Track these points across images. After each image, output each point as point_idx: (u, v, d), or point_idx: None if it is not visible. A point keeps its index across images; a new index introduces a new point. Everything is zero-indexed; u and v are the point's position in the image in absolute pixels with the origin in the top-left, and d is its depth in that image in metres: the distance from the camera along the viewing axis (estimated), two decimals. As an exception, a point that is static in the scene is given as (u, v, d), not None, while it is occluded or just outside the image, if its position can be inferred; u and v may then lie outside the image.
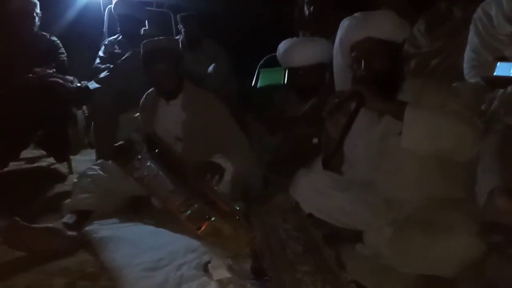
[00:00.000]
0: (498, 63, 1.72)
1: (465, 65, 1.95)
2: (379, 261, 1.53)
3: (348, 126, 1.49)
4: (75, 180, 2.09)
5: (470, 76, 1.91)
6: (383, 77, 1.57)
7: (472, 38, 1.94)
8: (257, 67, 4.39)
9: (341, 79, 1.86)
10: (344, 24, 1.70)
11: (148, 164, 1.82)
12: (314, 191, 1.69)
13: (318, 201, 1.68)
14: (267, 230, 1.88)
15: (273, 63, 3.91)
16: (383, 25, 1.60)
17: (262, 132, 2.66)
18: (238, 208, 1.79)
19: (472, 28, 1.94)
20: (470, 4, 2.08)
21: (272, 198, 2.22)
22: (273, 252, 1.66)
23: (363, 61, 1.60)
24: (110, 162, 2.09)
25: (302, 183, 1.74)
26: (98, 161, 2.26)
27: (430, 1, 2.46)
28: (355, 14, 1.69)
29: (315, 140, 2.21)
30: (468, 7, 2.09)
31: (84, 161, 3.26)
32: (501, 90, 1.73)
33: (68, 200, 1.99)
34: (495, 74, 1.70)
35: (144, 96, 2.33)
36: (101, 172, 2.05)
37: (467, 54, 1.95)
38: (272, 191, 2.29)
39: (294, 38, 2.55)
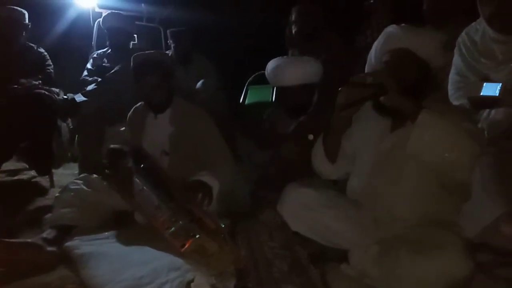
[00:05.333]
0: (485, 84, 1.75)
1: (450, 87, 1.99)
2: (365, 281, 1.52)
3: (355, 108, 1.47)
4: (57, 194, 2.05)
5: (454, 97, 1.94)
6: (405, 90, 1.52)
7: (456, 61, 1.98)
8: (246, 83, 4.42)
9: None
10: (388, 30, 1.70)
11: (133, 179, 1.79)
12: (302, 207, 1.67)
13: (305, 217, 1.66)
14: (253, 248, 1.86)
15: (261, 80, 3.94)
16: (426, 43, 1.60)
17: (250, 149, 2.66)
18: (223, 225, 1.77)
19: (456, 51, 1.99)
20: (455, 29, 2.13)
21: (259, 215, 2.20)
22: (259, 271, 1.64)
23: (392, 66, 1.60)
24: (93, 176, 2.06)
25: (290, 199, 1.73)
26: (81, 175, 2.22)
27: (416, 24, 2.51)
28: (403, 24, 1.69)
29: (310, 136, 2.19)
30: (453, 32, 2.14)
31: (67, 175, 3.21)
32: (485, 113, 1.76)
33: (49, 215, 1.95)
34: (481, 94, 1.73)
35: (132, 110, 2.32)
36: (84, 187, 2.02)
37: (452, 76, 1.99)
38: (259, 208, 2.27)
39: (283, 57, 2.56)
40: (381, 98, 1.44)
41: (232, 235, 1.87)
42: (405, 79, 1.56)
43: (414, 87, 1.58)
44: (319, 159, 1.75)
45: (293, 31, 3.06)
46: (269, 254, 1.78)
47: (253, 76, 4.40)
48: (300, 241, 1.80)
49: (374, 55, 1.74)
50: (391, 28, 1.69)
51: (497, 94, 1.68)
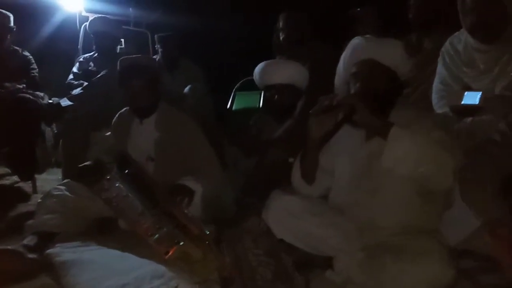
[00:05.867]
0: (466, 92, 1.78)
1: (434, 96, 2.01)
2: (349, 287, 1.52)
3: (331, 134, 1.49)
4: (40, 200, 2.02)
5: (438, 106, 1.97)
6: (375, 100, 1.57)
7: (440, 70, 2.01)
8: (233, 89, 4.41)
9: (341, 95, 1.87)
10: (354, 42, 1.73)
11: (117, 184, 1.77)
12: (287, 214, 1.67)
13: (290, 225, 1.66)
14: (238, 255, 1.85)
15: (248, 86, 3.95)
16: (390, 52, 1.64)
17: (237, 155, 2.65)
18: (208, 232, 1.76)
19: (440, 60, 2.02)
20: (440, 37, 2.17)
21: (245, 222, 2.19)
22: (243, 278, 1.63)
23: (360, 78, 1.62)
24: (77, 182, 2.03)
25: (275, 207, 1.73)
26: (65, 181, 2.20)
27: (402, 32, 2.55)
28: (367, 35, 1.73)
29: (291, 160, 2.21)
30: (438, 40, 2.17)
31: (50, 180, 3.15)
32: (468, 120, 1.79)
33: (31, 221, 1.92)
34: (462, 103, 1.76)
35: (117, 115, 2.30)
36: (67, 193, 2.00)
37: (436, 85, 2.02)
38: (245, 215, 2.27)
39: (272, 60, 2.60)
40: (353, 117, 1.47)
41: (217, 242, 1.86)
42: (375, 89, 1.59)
43: (384, 96, 1.61)
44: (297, 181, 1.77)
45: (281, 38, 3.07)
46: (253, 262, 1.77)
47: (240, 82, 4.40)
48: (285, 248, 1.79)
49: (342, 66, 1.78)
50: (356, 40, 1.72)
51: (477, 103, 1.71)
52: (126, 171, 1.84)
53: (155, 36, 3.70)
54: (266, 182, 2.16)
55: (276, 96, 2.42)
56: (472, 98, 1.73)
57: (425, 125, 1.55)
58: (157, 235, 1.67)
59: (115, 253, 1.78)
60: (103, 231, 2.02)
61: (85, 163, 1.94)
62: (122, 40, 3.68)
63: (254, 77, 2.55)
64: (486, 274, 1.12)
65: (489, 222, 1.09)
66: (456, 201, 1.30)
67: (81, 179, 1.95)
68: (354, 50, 1.70)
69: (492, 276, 1.10)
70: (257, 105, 3.47)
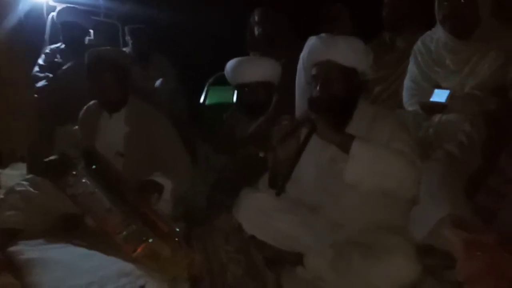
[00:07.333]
0: (435, 90, 1.82)
1: (405, 93, 2.05)
2: (319, 284, 1.53)
3: (299, 153, 1.50)
4: (2, 196, 1.95)
5: (409, 104, 2.00)
6: (338, 102, 1.59)
7: (411, 68, 2.04)
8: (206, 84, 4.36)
9: (302, 96, 1.87)
10: (310, 42, 1.71)
11: (84, 180, 1.73)
12: (258, 212, 1.67)
13: (261, 222, 1.67)
14: (209, 252, 1.83)
15: (222, 81, 3.91)
16: (346, 51, 1.61)
17: (209, 151, 2.62)
18: (178, 230, 1.73)
19: (412, 59, 2.05)
20: (413, 36, 2.20)
21: (216, 219, 2.17)
22: (213, 276, 1.62)
23: (320, 81, 1.62)
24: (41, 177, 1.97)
25: (246, 204, 1.72)
26: (28, 176, 2.12)
27: (376, 31, 2.58)
28: (322, 35, 1.70)
29: (261, 154, 2.20)
30: (411, 39, 2.20)
31: (14, 175, 3.03)
32: (437, 118, 1.82)
33: (-8, 218, 1.84)
34: (431, 100, 1.79)
35: (84, 108, 2.23)
36: (31, 189, 1.93)
37: (407, 83, 2.05)
38: (216, 212, 2.25)
39: (243, 57, 2.56)
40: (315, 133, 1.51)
41: (188, 239, 1.84)
42: (335, 91, 1.60)
43: (345, 96, 1.62)
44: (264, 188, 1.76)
45: (256, 34, 3.05)
46: (224, 259, 1.76)
47: (213, 76, 4.35)
48: (256, 245, 1.78)
49: (302, 67, 1.78)
50: (312, 40, 1.71)
51: (444, 101, 1.75)
52: (94, 166, 1.79)
53: (126, 28, 3.61)
54: (238, 179, 2.15)
55: (248, 94, 2.40)
56: (440, 96, 1.77)
57: (387, 129, 1.57)
58: (125, 233, 1.64)
59: (81, 251, 1.74)
60: (69, 228, 1.96)
61: (50, 158, 1.87)
62: (91, 31, 3.57)
63: (226, 74, 2.52)
64: (449, 270, 1.13)
65: (450, 218, 1.11)
66: (422, 197, 1.32)
67: (46, 174, 1.89)
68: (310, 51, 1.69)
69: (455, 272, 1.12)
70: (231, 100, 3.44)
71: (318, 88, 1.61)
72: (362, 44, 1.66)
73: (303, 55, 1.75)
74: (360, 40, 1.68)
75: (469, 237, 1.02)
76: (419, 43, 2.05)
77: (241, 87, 2.45)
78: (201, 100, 4.24)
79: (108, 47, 2.19)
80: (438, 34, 1.93)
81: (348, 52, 1.62)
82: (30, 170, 2.67)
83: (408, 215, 1.40)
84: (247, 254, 1.80)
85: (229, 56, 2.58)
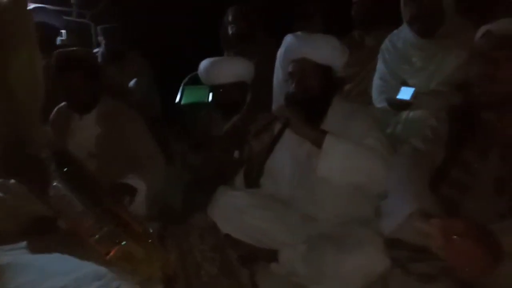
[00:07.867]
0: (402, 87, 1.86)
1: (374, 91, 2.09)
2: (293, 279, 1.56)
3: (272, 146, 1.52)
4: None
5: (378, 101, 2.04)
6: (313, 98, 1.62)
7: (380, 66, 2.09)
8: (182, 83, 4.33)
9: (279, 92, 1.90)
10: (287, 40, 1.74)
11: (55, 184, 1.70)
12: (232, 209, 1.69)
13: (236, 219, 1.69)
14: (183, 252, 1.83)
15: (197, 81, 3.89)
16: (321, 49, 1.65)
17: (184, 150, 2.62)
18: (151, 230, 1.72)
19: (380, 57, 2.09)
20: (382, 35, 2.24)
21: (191, 218, 2.17)
22: (188, 275, 1.62)
23: (296, 79, 1.65)
24: (12, 181, 1.93)
25: (221, 202, 1.74)
26: (-1, 181, 2.07)
27: (345, 29, 2.62)
28: (298, 33, 1.73)
29: (236, 154, 2.21)
30: (380, 38, 2.25)
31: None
32: (405, 114, 1.87)
33: (-39, 223, 1.79)
34: (397, 97, 1.84)
35: (54, 110, 2.20)
36: (0, 193, 1.88)
37: (375, 81, 2.09)
38: (191, 211, 2.25)
39: (216, 57, 2.57)
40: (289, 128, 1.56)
41: (162, 239, 1.83)
42: (310, 88, 1.64)
43: (321, 93, 1.66)
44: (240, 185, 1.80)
45: (230, 32, 3.06)
46: (199, 258, 1.76)
47: (188, 76, 4.32)
48: (231, 243, 1.80)
49: (279, 64, 1.81)
50: (288, 38, 1.75)
51: (409, 99, 1.79)
52: (65, 169, 1.77)
53: (98, 27, 3.56)
54: (213, 178, 2.15)
55: (223, 94, 2.41)
56: (406, 93, 1.81)
57: (360, 125, 1.61)
58: (98, 235, 1.62)
59: (53, 254, 1.70)
60: (41, 231, 1.93)
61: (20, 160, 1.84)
62: (64, 31, 3.50)
63: (199, 75, 2.52)
64: (415, 263, 1.18)
65: (418, 213, 1.15)
66: (389, 192, 1.36)
67: (16, 177, 1.85)
68: (286, 49, 1.72)
69: (421, 264, 1.16)
70: (206, 99, 3.43)
71: (294, 85, 1.64)
72: (338, 42, 1.70)
73: (280, 52, 1.78)
74: (336, 38, 1.72)
75: (443, 223, 1.06)
76: (386, 41, 2.09)
77: (215, 88, 2.46)
78: (177, 99, 4.21)
79: (75, 48, 2.15)
80: (404, 32, 1.98)
81: (323, 50, 1.66)
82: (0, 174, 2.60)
83: (378, 208, 1.44)
84: (222, 252, 1.81)
85: (207, 54, 2.59)
